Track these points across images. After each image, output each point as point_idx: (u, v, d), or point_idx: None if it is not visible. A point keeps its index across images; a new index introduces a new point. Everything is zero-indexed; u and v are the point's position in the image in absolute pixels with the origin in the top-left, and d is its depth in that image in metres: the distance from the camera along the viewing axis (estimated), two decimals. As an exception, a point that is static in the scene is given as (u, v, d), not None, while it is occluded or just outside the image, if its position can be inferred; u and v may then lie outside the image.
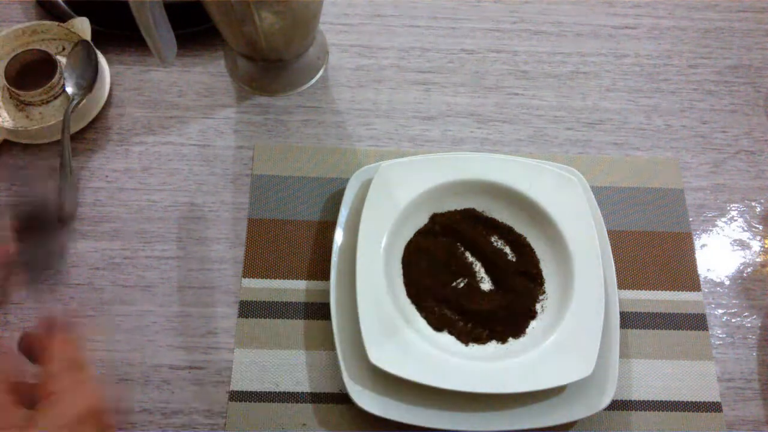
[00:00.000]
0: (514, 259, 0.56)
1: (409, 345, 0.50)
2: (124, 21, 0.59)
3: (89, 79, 0.61)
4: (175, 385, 0.53)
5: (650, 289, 0.57)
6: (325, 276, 0.55)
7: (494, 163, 0.57)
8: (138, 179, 0.60)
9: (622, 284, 0.57)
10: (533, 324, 0.53)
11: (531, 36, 0.69)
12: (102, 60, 0.63)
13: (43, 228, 0.45)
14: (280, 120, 0.64)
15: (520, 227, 0.57)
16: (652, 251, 0.59)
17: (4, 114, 0.61)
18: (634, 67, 0.68)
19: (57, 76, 0.60)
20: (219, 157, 0.61)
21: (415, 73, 0.67)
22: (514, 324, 0.53)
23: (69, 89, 0.61)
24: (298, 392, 0.52)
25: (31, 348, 0.37)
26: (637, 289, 0.57)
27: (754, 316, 0.57)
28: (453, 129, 0.64)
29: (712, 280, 0.58)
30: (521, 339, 0.53)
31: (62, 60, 0.63)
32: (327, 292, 0.54)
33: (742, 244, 0.60)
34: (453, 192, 0.57)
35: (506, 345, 0.52)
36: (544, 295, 0.54)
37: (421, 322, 0.53)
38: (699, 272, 0.58)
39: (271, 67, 0.64)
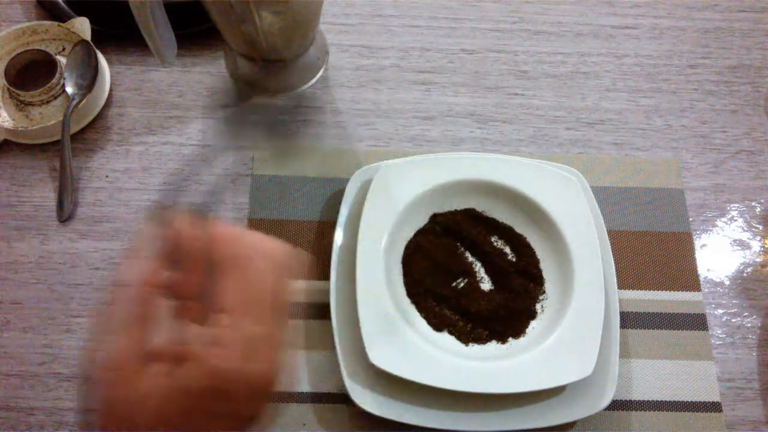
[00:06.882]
0: (514, 259, 0.56)
1: (409, 345, 0.50)
2: (124, 21, 0.58)
3: (89, 79, 0.61)
4: (175, 385, 0.52)
5: (650, 289, 0.57)
6: (325, 276, 0.55)
7: (494, 163, 0.57)
8: (138, 179, 0.60)
9: (622, 284, 0.57)
10: (533, 324, 0.53)
11: (531, 36, 0.69)
12: (102, 60, 0.63)
13: None
14: (280, 120, 0.64)
15: (520, 227, 0.57)
16: (652, 251, 0.59)
17: (4, 114, 0.61)
18: (634, 67, 0.68)
19: (57, 76, 0.60)
20: (219, 157, 0.61)
21: (415, 73, 0.67)
22: (514, 324, 0.53)
23: (69, 89, 0.61)
24: (298, 392, 0.52)
25: (179, 249, 0.31)
26: (637, 289, 0.57)
27: (754, 316, 0.57)
28: (453, 129, 0.64)
29: (712, 280, 0.58)
30: (521, 339, 0.53)
31: (62, 60, 0.63)
32: (327, 292, 0.54)
33: (742, 244, 0.60)
34: (453, 192, 0.57)
35: (506, 345, 0.52)
36: (544, 295, 0.54)
37: (421, 322, 0.53)
38: (699, 272, 0.58)
39: (271, 67, 0.64)
